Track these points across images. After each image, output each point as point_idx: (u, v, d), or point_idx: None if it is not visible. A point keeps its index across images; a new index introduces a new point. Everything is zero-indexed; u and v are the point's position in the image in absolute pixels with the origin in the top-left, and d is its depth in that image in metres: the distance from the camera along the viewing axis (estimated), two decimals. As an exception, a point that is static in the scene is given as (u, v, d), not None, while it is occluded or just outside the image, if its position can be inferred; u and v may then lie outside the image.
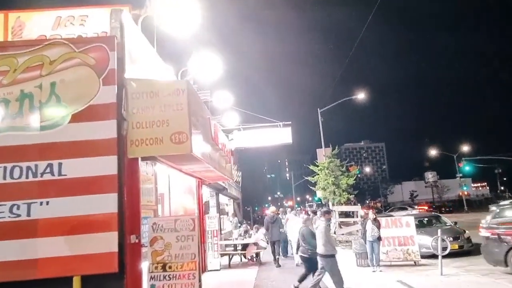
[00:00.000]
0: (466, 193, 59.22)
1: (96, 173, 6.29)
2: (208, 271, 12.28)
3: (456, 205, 56.44)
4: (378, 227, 10.97)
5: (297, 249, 9.38)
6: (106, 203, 6.21)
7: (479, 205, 56.97)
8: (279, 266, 12.73)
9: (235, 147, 16.18)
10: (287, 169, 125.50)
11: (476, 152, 54.43)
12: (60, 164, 6.29)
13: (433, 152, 56.40)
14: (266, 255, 15.23)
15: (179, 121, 6.73)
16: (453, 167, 53.46)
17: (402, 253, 11.60)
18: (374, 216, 11.31)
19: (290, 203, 66.86)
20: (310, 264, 8.64)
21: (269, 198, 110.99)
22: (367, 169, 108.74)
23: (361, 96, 27.11)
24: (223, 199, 22.64)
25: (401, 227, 11.82)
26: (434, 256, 10.79)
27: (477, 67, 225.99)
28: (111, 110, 6.58)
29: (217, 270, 12.32)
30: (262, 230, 14.29)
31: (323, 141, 25.43)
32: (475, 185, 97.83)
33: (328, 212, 8.89)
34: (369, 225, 11.05)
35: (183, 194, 11.13)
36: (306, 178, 23.86)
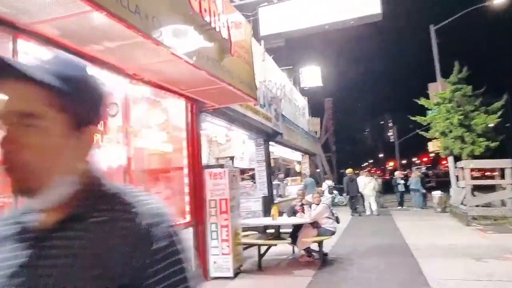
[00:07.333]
0: None
1: None
2: (212, 279, 6.27)
3: None
4: None
5: None
6: None
7: None
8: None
9: (263, 34, 9.03)
10: (390, 130, 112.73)
11: None
12: None
13: None
14: (339, 245, 8.63)
15: None
16: None
17: None
18: None
19: (391, 164, 57.42)
20: None
21: (371, 160, 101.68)
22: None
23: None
24: (287, 153, 16.12)
25: None
26: None
27: None
28: None
29: (228, 277, 6.24)
30: (327, 199, 7.74)
31: (439, 70, 17.07)
32: None
33: None
34: None
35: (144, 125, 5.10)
36: (412, 117, 15.49)
